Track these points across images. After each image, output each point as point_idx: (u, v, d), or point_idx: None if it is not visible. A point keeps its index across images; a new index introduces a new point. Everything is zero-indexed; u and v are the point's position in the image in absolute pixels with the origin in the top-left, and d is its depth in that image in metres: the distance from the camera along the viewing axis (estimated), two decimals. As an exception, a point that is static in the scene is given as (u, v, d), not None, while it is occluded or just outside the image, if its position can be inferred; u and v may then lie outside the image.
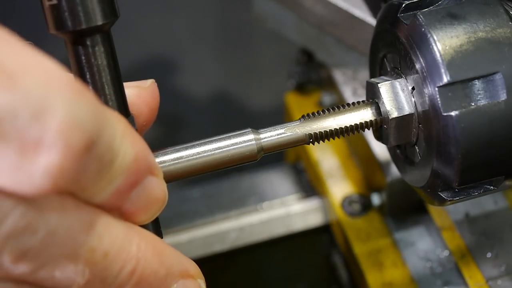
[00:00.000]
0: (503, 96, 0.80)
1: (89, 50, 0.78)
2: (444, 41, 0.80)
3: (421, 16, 0.81)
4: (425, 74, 0.81)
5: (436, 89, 0.80)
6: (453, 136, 0.80)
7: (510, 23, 0.82)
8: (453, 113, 0.79)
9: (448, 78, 0.79)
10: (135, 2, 1.99)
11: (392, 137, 0.86)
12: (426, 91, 0.81)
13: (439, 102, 0.80)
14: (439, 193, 0.85)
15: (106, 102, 0.79)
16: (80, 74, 0.78)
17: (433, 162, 0.83)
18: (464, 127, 0.80)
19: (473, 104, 0.80)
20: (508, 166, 0.84)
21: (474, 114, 0.80)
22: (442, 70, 0.79)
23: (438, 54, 0.80)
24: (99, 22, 0.75)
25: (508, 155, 0.83)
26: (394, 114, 0.85)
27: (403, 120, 0.85)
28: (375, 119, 0.87)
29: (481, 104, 0.80)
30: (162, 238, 0.79)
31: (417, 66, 0.82)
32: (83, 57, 0.78)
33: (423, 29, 0.81)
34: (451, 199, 0.85)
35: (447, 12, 0.82)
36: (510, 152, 0.82)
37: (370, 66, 0.94)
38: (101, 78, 0.78)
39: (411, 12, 0.84)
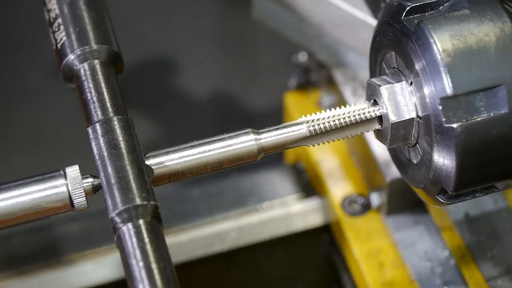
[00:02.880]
0: (505, 109, 0.80)
1: None
2: (449, 52, 0.80)
3: (426, 24, 0.81)
4: (427, 82, 0.81)
5: (439, 100, 0.80)
6: (453, 147, 0.80)
7: None
8: (454, 125, 0.79)
9: (451, 91, 0.79)
10: (135, 2, 1.99)
11: (392, 139, 0.86)
12: (428, 99, 0.81)
13: (442, 113, 0.79)
14: (437, 196, 0.85)
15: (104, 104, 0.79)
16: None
17: (432, 165, 0.83)
18: (465, 139, 0.80)
19: (475, 116, 0.80)
20: (506, 172, 0.84)
21: (475, 126, 0.80)
22: (446, 83, 0.79)
23: (442, 66, 0.79)
24: None
25: (505, 165, 0.83)
26: (395, 118, 0.85)
27: (404, 124, 0.85)
28: (376, 122, 0.87)
29: (483, 117, 0.80)
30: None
31: (419, 71, 0.82)
32: None
33: (428, 38, 0.80)
34: (446, 202, 0.85)
35: (452, 19, 0.81)
36: (507, 163, 0.83)
37: (370, 66, 0.94)
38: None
39: (416, 16, 0.83)
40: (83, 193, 0.80)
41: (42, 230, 1.25)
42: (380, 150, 1.16)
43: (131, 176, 0.78)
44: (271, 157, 0.92)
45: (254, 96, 1.82)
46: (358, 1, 1.16)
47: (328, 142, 0.87)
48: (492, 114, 0.80)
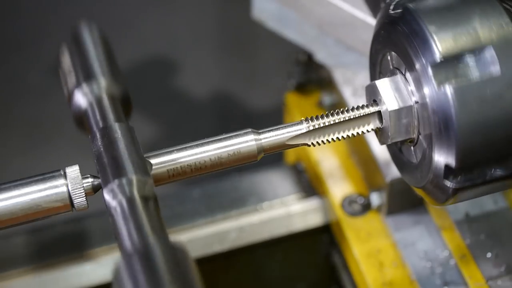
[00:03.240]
0: (495, 69, 0.80)
1: None
2: (435, 22, 0.81)
3: (410, 5, 0.82)
4: (419, 58, 0.81)
5: (429, 68, 0.80)
6: (450, 112, 0.80)
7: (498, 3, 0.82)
8: (447, 87, 0.79)
9: (440, 55, 0.79)
10: (135, 2, 1.99)
11: (392, 132, 0.86)
12: (422, 79, 0.81)
13: (433, 80, 0.80)
14: (444, 182, 0.84)
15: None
16: None
17: (432, 166, 0.83)
18: (459, 100, 0.79)
19: (467, 78, 0.80)
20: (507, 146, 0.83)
21: (468, 88, 0.80)
22: (434, 49, 0.80)
23: (428, 34, 0.80)
24: None
25: (505, 132, 0.82)
26: (393, 106, 0.85)
27: (402, 112, 0.85)
28: (377, 122, 0.87)
29: (475, 78, 0.80)
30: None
31: (412, 55, 0.82)
32: None
33: (412, 15, 0.81)
34: (455, 187, 0.84)
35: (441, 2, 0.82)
36: (506, 128, 0.82)
37: (370, 66, 0.94)
38: None
39: (401, 4, 0.84)
40: (83, 193, 0.80)
41: (42, 230, 1.25)
42: (380, 150, 1.16)
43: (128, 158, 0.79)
44: (271, 157, 0.92)
45: (254, 96, 1.82)
46: (358, 1, 1.16)
47: (329, 142, 0.87)
48: (483, 75, 0.80)
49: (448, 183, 0.84)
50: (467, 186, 0.85)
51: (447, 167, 0.83)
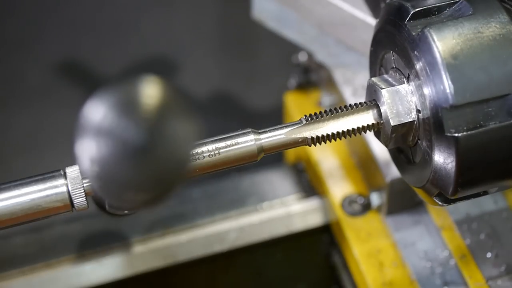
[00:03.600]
0: (506, 119, 0.80)
1: None
2: (452, 62, 0.79)
3: (431, 32, 0.80)
4: (430, 88, 0.80)
5: (440, 109, 0.79)
6: (453, 155, 0.80)
7: None
8: (456, 135, 0.79)
9: (454, 101, 0.79)
10: (135, 2, 1.99)
11: (392, 141, 0.86)
12: (429, 104, 0.81)
13: (443, 123, 0.79)
14: (434, 198, 0.85)
15: None
16: None
17: (432, 167, 0.83)
18: (465, 149, 0.80)
19: (476, 126, 0.79)
20: (504, 177, 0.84)
21: (476, 137, 0.80)
22: (449, 93, 0.79)
23: (445, 75, 0.79)
24: None
25: (503, 172, 0.83)
26: (395, 121, 0.85)
27: (404, 126, 0.85)
28: (376, 123, 0.87)
29: (484, 127, 0.79)
30: None
31: (421, 75, 0.81)
32: None
33: (431, 46, 0.80)
34: (443, 204, 0.86)
35: (456, 27, 0.80)
36: (505, 170, 0.83)
37: (370, 65, 0.94)
38: None
39: (419, 21, 0.82)
40: (83, 193, 0.80)
41: (42, 230, 1.25)
42: (380, 150, 1.16)
43: None
44: (271, 157, 0.92)
45: (254, 96, 1.82)
46: (358, 1, 1.16)
47: (330, 142, 0.86)
48: (493, 124, 0.80)
49: (438, 200, 0.85)
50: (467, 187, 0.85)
51: (439, 192, 0.84)
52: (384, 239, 1.17)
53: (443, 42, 0.80)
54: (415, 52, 0.81)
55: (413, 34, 0.82)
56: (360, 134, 0.87)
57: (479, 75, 0.79)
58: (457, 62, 0.79)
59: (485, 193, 0.86)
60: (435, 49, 0.80)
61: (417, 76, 0.82)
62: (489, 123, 0.80)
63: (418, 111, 0.84)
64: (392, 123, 0.85)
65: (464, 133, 0.79)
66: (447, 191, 0.83)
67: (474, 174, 0.82)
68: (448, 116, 0.79)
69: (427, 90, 0.81)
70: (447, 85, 0.79)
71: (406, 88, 0.85)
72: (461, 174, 0.81)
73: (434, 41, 0.80)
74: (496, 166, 0.82)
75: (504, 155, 0.81)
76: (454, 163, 0.80)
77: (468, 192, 0.84)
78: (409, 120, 0.85)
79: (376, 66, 0.92)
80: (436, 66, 0.80)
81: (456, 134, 0.79)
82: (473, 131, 0.79)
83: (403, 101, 0.85)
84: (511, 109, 0.79)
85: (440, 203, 0.85)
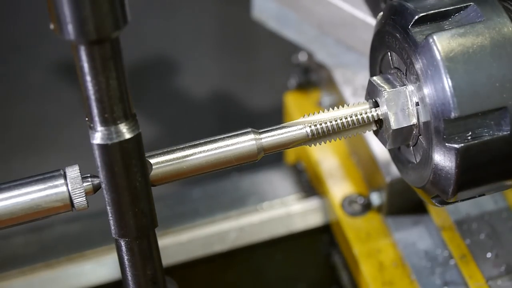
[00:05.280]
0: (507, 130, 0.80)
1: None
2: (456, 73, 0.79)
3: (435, 40, 0.80)
4: (431, 95, 0.80)
5: (442, 120, 0.79)
6: (453, 164, 0.80)
7: None
8: (456, 146, 0.79)
9: (456, 113, 0.79)
10: (135, 2, 1.99)
11: (392, 142, 0.86)
12: (430, 111, 0.81)
13: (444, 132, 0.79)
14: (431, 199, 0.86)
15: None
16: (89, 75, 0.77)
17: (431, 167, 0.83)
18: (465, 159, 0.80)
19: (477, 137, 0.80)
20: (501, 181, 0.85)
21: (476, 146, 0.80)
22: (451, 105, 0.79)
23: (448, 87, 0.79)
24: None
25: (503, 175, 0.84)
26: (396, 124, 0.85)
27: (404, 129, 0.85)
28: (376, 123, 0.87)
29: (485, 138, 0.80)
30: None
31: (423, 81, 0.81)
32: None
33: (435, 56, 0.79)
34: (440, 206, 0.86)
35: (460, 35, 0.80)
36: (504, 172, 0.83)
37: (370, 64, 0.94)
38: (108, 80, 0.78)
39: (424, 26, 0.82)
40: (83, 193, 0.80)
41: (42, 230, 1.25)
42: (380, 150, 1.16)
43: None
44: (271, 157, 0.92)
45: (254, 96, 1.82)
46: (358, 1, 1.16)
47: (330, 142, 0.86)
48: (493, 136, 0.80)
49: (436, 201, 0.86)
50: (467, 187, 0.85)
51: (438, 195, 0.84)
52: (384, 239, 1.17)
53: (447, 51, 0.79)
54: (418, 58, 0.81)
55: (417, 40, 0.81)
56: (360, 134, 0.87)
57: (482, 87, 0.79)
58: (460, 73, 0.79)
59: (480, 195, 0.86)
60: (438, 58, 0.79)
61: (418, 79, 0.82)
62: (489, 134, 0.80)
63: (418, 114, 0.84)
64: (393, 126, 0.85)
65: (463, 144, 0.79)
66: (446, 193, 0.83)
67: (474, 178, 0.82)
68: (449, 127, 0.79)
69: (428, 96, 0.81)
70: (450, 97, 0.79)
71: (406, 90, 0.85)
72: (460, 182, 0.81)
73: (438, 50, 0.79)
74: (495, 171, 0.83)
75: (501, 162, 0.82)
76: (453, 172, 0.81)
77: (467, 195, 0.85)
78: (410, 124, 0.84)
79: (376, 66, 0.92)
80: (439, 76, 0.79)
81: (456, 145, 0.79)
82: (473, 142, 0.80)
83: (403, 103, 0.85)
84: (505, 122, 0.80)
85: (436, 204, 0.86)
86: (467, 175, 0.81)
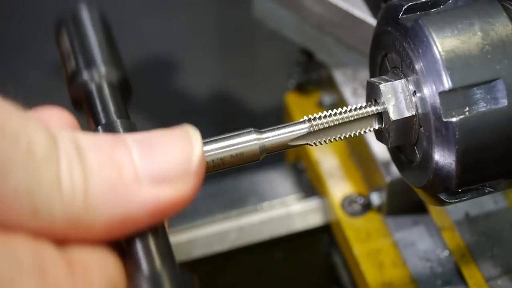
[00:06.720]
0: (503, 102, 0.80)
1: None
2: (446, 46, 0.80)
3: (423, 20, 0.81)
4: (426, 77, 0.81)
5: (437, 94, 0.80)
6: (453, 141, 0.80)
7: (511, 24, 0.82)
8: (454, 119, 0.79)
9: (450, 84, 0.79)
10: (135, 2, 1.99)
11: (393, 138, 0.86)
12: (427, 94, 0.81)
13: (440, 108, 0.80)
14: (438, 195, 0.85)
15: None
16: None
17: (432, 164, 0.83)
18: (464, 133, 0.80)
19: (474, 110, 0.80)
20: (507, 169, 0.84)
21: (474, 120, 0.80)
22: (444, 76, 0.79)
23: (439, 60, 0.80)
24: None
25: (507, 158, 0.83)
26: (396, 116, 0.85)
27: (404, 122, 0.85)
28: (377, 123, 0.87)
29: (482, 110, 0.80)
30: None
31: (418, 68, 0.82)
32: None
33: (424, 34, 0.81)
34: (449, 201, 0.85)
35: (449, 15, 0.82)
36: (509, 155, 0.83)
37: (370, 66, 0.94)
38: None
39: (413, 14, 0.83)
40: None
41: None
42: (380, 150, 1.16)
43: None
44: (271, 157, 0.91)
45: (254, 96, 1.82)
46: (358, 1, 1.16)
47: (331, 142, 0.86)
48: (491, 107, 0.80)
49: (443, 196, 0.85)
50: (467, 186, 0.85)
51: (444, 185, 0.84)
52: (384, 239, 1.17)
53: (436, 28, 0.81)
54: (410, 42, 0.82)
55: (407, 25, 0.82)
56: (362, 134, 0.87)
57: (474, 59, 0.80)
58: (451, 46, 0.80)
59: (488, 189, 0.86)
60: (427, 35, 0.80)
61: (414, 70, 0.82)
62: (486, 107, 0.80)
63: (417, 106, 0.84)
64: (392, 117, 0.85)
65: (462, 116, 0.79)
66: (451, 184, 0.82)
67: (475, 161, 0.82)
68: (444, 101, 0.79)
69: (424, 82, 0.81)
70: (441, 69, 0.79)
71: (404, 84, 0.85)
72: (463, 162, 0.81)
73: (427, 28, 0.81)
74: (496, 150, 0.82)
75: (504, 140, 0.81)
76: (454, 152, 0.80)
77: (472, 184, 0.84)
78: (409, 115, 0.85)
79: (376, 66, 0.92)
80: (430, 51, 0.80)
81: (454, 119, 0.79)
82: (470, 115, 0.80)
83: (402, 96, 0.85)
84: (501, 93, 0.80)
85: (445, 199, 0.85)
86: (468, 153, 0.80)
